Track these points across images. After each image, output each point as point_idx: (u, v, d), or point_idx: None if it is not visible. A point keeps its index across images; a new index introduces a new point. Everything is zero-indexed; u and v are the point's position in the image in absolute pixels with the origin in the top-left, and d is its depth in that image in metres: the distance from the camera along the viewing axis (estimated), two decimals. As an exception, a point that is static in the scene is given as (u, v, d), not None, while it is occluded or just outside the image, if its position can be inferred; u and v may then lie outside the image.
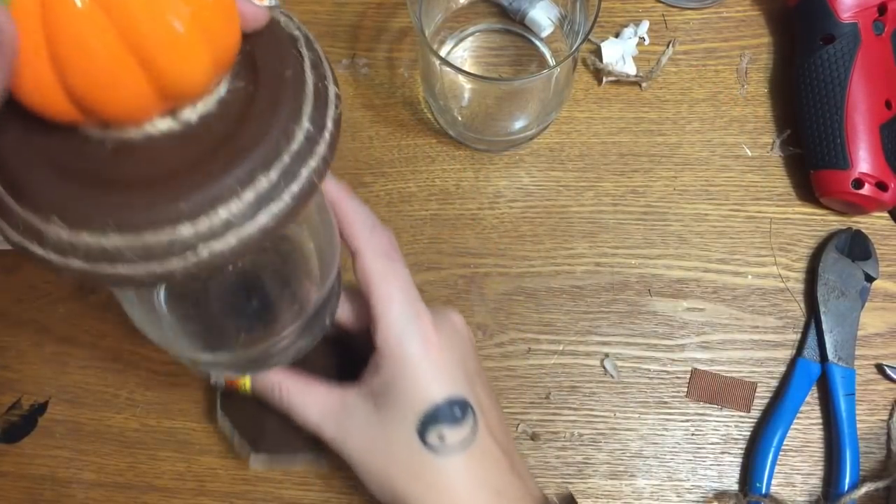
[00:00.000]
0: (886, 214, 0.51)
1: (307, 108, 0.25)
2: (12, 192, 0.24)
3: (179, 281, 0.24)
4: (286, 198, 0.24)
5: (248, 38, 0.26)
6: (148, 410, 0.49)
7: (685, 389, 0.48)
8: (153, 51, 0.22)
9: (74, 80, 0.22)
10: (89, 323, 0.51)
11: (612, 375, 0.49)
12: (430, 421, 0.37)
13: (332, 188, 0.39)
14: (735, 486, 0.47)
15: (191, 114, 0.25)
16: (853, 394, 0.47)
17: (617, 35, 0.54)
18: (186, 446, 0.49)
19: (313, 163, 0.25)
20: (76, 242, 0.23)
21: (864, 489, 0.45)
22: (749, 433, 0.48)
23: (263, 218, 0.24)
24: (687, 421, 0.48)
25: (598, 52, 0.53)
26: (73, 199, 0.23)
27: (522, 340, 0.49)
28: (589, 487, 0.47)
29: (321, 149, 0.25)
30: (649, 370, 0.49)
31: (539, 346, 0.49)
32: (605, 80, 0.53)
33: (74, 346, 0.50)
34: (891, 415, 0.48)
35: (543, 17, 0.51)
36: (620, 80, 0.53)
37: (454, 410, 0.37)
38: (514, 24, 0.53)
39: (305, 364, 0.39)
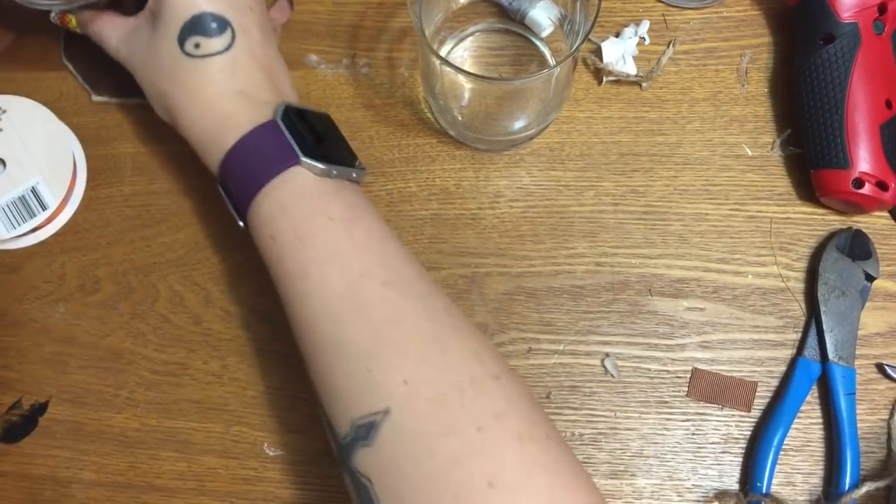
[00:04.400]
0: (887, 214, 0.51)
1: None
2: None
3: None
4: None
5: None
6: (148, 410, 0.49)
7: (685, 389, 0.48)
8: None
9: None
10: (89, 323, 0.51)
11: (612, 375, 0.49)
12: (188, 30, 0.43)
13: None
14: (735, 486, 0.47)
15: None
16: (853, 393, 0.47)
17: (617, 35, 0.54)
18: (186, 446, 0.49)
19: None
20: None
21: (864, 489, 0.45)
22: (749, 433, 0.48)
23: None
24: (687, 420, 0.48)
25: (598, 52, 0.53)
26: None
27: (523, 340, 0.49)
28: (589, 487, 0.47)
29: None
30: (650, 370, 0.49)
31: (539, 346, 0.49)
32: (605, 79, 0.53)
33: (74, 346, 0.50)
34: (891, 414, 0.48)
35: (543, 16, 0.51)
36: (621, 80, 0.53)
37: (212, 24, 0.43)
38: (514, 24, 0.53)
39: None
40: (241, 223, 0.42)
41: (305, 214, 0.39)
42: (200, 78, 0.43)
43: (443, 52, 0.52)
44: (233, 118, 0.42)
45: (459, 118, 0.51)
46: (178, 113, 0.44)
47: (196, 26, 0.43)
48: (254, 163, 0.41)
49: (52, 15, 0.48)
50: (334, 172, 0.41)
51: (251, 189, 0.40)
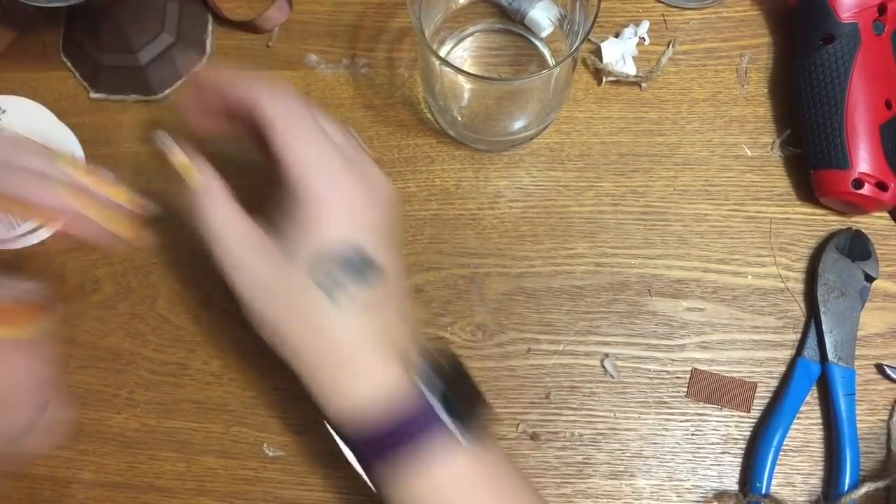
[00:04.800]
0: (886, 214, 0.51)
1: None
2: None
3: None
4: None
5: None
6: (147, 410, 0.49)
7: (685, 389, 0.48)
8: None
9: None
10: (89, 323, 0.51)
11: (612, 375, 0.49)
12: (330, 263, 0.37)
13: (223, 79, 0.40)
14: (735, 486, 0.47)
15: None
16: (853, 394, 0.47)
17: (617, 35, 0.54)
18: (186, 446, 0.49)
19: None
20: None
21: (864, 489, 0.45)
22: (749, 433, 0.48)
23: None
24: (687, 421, 0.48)
25: (598, 52, 0.53)
26: None
27: (522, 340, 0.49)
28: (589, 487, 0.47)
29: None
30: (649, 370, 0.49)
31: (539, 346, 0.49)
32: (605, 80, 0.53)
33: (74, 346, 0.50)
34: (891, 415, 0.48)
35: (543, 17, 0.51)
36: (620, 80, 0.53)
37: (358, 262, 0.37)
38: (514, 24, 0.53)
39: None
40: (369, 483, 0.39)
41: (464, 490, 0.37)
42: (335, 319, 0.37)
43: (443, 53, 0.52)
44: (369, 372, 0.38)
45: (459, 118, 0.51)
46: (296, 345, 0.38)
47: (340, 261, 0.37)
48: (397, 434, 0.37)
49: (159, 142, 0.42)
50: (479, 435, 0.38)
51: (393, 460, 0.37)
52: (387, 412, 0.37)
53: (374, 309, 0.38)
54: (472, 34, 0.53)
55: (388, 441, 0.37)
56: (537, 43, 0.53)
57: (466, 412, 0.38)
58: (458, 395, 0.38)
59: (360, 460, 0.38)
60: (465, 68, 0.52)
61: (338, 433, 0.39)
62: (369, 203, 0.39)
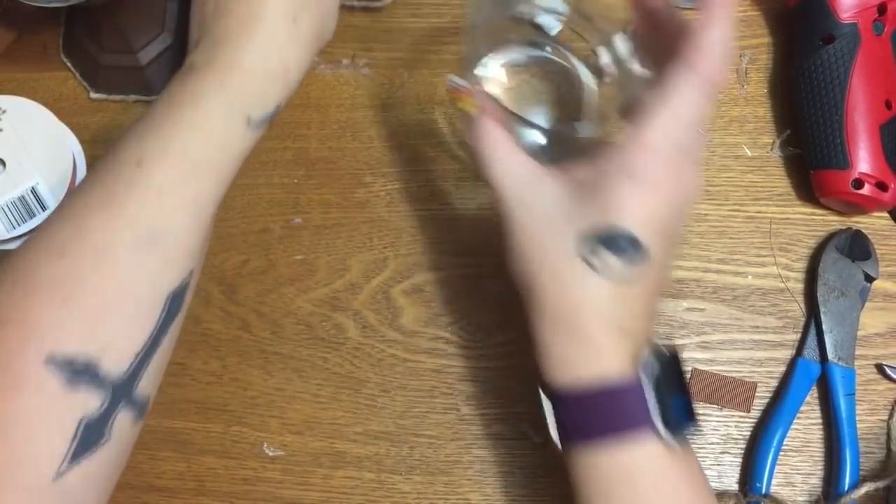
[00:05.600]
0: (886, 214, 0.51)
1: None
2: None
3: None
4: None
5: None
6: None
7: (685, 389, 0.48)
8: None
9: None
10: (89, 323, 0.51)
11: (612, 375, 0.49)
12: (601, 241, 0.37)
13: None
14: (735, 486, 0.47)
15: None
16: (853, 394, 0.47)
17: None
18: (186, 446, 0.49)
19: None
20: None
21: (864, 489, 0.45)
22: (749, 433, 0.48)
23: None
24: (687, 421, 0.48)
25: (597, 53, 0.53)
26: None
27: (523, 340, 0.49)
28: (589, 487, 0.47)
29: None
30: (649, 370, 0.49)
31: (539, 346, 0.49)
32: (605, 80, 0.53)
33: (74, 346, 0.50)
34: (891, 415, 0.48)
35: (550, 19, 0.51)
36: (620, 81, 0.53)
37: (629, 247, 0.36)
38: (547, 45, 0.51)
39: None
40: (556, 441, 0.39)
41: (648, 484, 0.37)
42: (583, 291, 0.37)
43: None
44: (597, 353, 0.37)
45: None
46: (535, 303, 0.39)
47: (614, 242, 0.37)
48: (605, 415, 0.37)
49: (452, 84, 0.42)
50: (680, 442, 0.38)
51: (591, 436, 0.37)
52: (602, 392, 0.37)
53: (626, 286, 0.37)
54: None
55: (593, 417, 0.37)
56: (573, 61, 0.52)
57: (677, 418, 0.37)
58: (671, 393, 0.38)
59: (557, 420, 0.38)
60: (502, 79, 0.51)
61: (546, 390, 0.39)
62: (669, 203, 0.38)
